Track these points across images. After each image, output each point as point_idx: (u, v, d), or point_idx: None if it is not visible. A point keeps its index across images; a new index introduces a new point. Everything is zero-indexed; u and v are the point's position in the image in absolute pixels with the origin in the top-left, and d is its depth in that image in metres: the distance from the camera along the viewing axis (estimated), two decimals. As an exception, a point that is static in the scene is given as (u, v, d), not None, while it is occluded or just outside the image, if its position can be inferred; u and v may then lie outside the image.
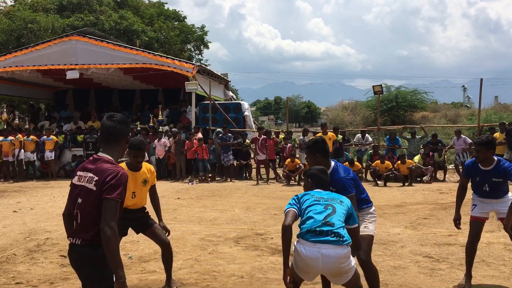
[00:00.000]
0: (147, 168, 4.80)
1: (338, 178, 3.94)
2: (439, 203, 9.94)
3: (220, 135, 15.07)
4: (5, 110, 17.79)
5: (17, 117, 17.64)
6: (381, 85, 16.64)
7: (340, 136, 14.85)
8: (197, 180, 14.53)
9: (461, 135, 14.64)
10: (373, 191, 12.18)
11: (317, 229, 3.34)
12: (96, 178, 2.71)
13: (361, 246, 3.82)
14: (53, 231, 7.37)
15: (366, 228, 4.07)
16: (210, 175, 14.83)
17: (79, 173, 2.84)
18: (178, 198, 11.10)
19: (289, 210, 3.52)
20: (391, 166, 13.62)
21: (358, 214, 3.87)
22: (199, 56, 38.10)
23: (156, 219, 4.95)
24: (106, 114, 2.97)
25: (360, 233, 3.87)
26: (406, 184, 13.26)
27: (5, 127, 16.88)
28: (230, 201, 10.57)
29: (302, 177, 3.86)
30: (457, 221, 4.91)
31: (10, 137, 15.25)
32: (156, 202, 5.00)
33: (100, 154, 2.85)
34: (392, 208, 9.50)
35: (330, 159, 4.08)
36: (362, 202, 4.11)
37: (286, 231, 3.39)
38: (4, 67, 16.56)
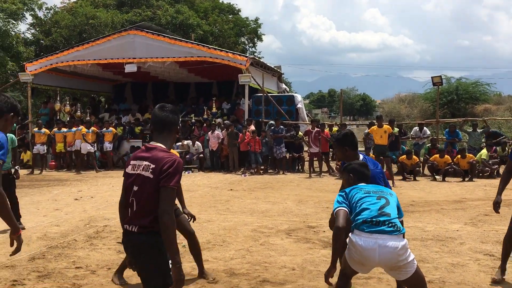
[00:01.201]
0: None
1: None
2: (502, 199, 9.41)
3: (273, 127, 15.04)
4: (68, 102, 18.66)
5: (79, 109, 18.45)
6: (440, 76, 15.99)
7: (396, 129, 14.43)
8: (250, 172, 14.61)
9: (528, 128, 13.81)
10: (431, 186, 11.76)
11: (374, 219, 3.25)
12: (152, 166, 2.74)
13: None
14: (111, 218, 7.66)
15: None
16: (262, 167, 14.87)
17: (132, 162, 2.89)
18: (231, 189, 11.21)
19: (339, 210, 3.39)
20: (451, 161, 13.08)
21: None
22: (253, 49, 38.28)
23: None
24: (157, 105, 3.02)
25: None
26: (466, 179, 12.70)
27: (68, 119, 17.70)
28: (282, 193, 10.55)
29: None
30: (496, 204, 4.68)
31: (74, 128, 15.98)
32: (179, 189, 4.91)
33: (152, 143, 2.89)
34: (450, 203, 9.13)
35: (358, 152, 4.06)
36: None
37: (339, 233, 3.28)
38: (67, 61, 17.35)
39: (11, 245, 3.12)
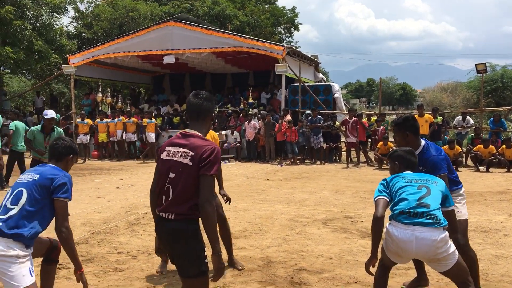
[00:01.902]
0: (212, 135, 4.65)
1: (429, 157, 3.73)
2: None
3: (310, 117, 14.94)
4: (109, 94, 19.13)
5: (120, 100, 18.89)
6: (485, 63, 15.39)
7: (439, 118, 14.06)
8: (286, 162, 14.59)
9: None
10: (474, 176, 11.42)
11: (411, 210, 3.15)
12: (191, 153, 2.74)
13: (459, 230, 3.57)
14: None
15: (459, 212, 3.82)
16: (298, 157, 14.81)
17: (168, 148, 2.88)
18: (267, 179, 11.23)
19: (379, 198, 3.33)
20: (495, 151, 12.64)
21: None
22: (290, 38, 38.06)
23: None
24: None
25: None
26: (512, 170, 12.25)
27: (109, 110, 18.16)
28: (319, 183, 10.49)
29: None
30: None
31: (116, 119, 16.39)
32: (219, 170, 4.83)
33: (188, 130, 2.89)
34: (495, 195, 8.84)
35: (420, 137, 3.89)
36: (452, 183, 3.84)
37: (378, 221, 3.23)
38: (108, 53, 17.77)
39: (77, 281, 3.40)
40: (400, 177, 3.40)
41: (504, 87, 27.78)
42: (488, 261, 4.86)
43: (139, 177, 11.67)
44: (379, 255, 3.36)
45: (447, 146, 12.83)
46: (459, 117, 14.91)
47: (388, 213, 3.30)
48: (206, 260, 2.78)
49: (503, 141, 13.14)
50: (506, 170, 12.33)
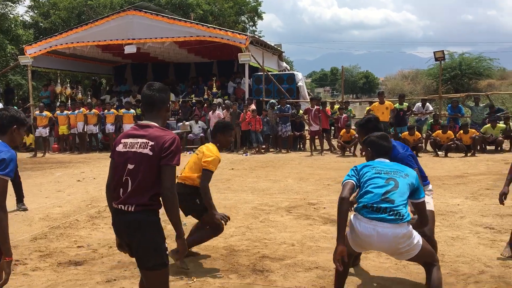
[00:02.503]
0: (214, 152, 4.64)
1: (397, 155, 3.77)
2: (503, 174, 9.36)
3: (279, 106, 14.96)
4: (68, 85, 18.61)
5: (80, 92, 18.40)
6: (443, 51, 15.78)
7: (405, 104, 14.37)
8: (252, 152, 14.62)
9: (531, 103, 13.70)
10: (433, 161, 11.74)
11: (375, 205, 3.12)
12: (151, 143, 2.72)
13: (428, 222, 3.53)
14: (113, 199, 7.70)
15: (428, 204, 3.81)
16: (263, 146, 14.86)
17: (124, 140, 2.84)
18: (232, 168, 11.22)
19: (347, 181, 3.30)
20: (453, 136, 13.03)
21: None
22: (253, 27, 37.93)
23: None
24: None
25: None
26: (469, 154, 12.66)
27: (69, 101, 17.68)
28: (283, 171, 10.56)
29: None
30: (503, 195, 4.51)
31: (76, 111, 15.97)
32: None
33: (145, 121, 2.86)
34: (452, 179, 9.12)
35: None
36: (422, 179, 3.91)
37: (342, 203, 3.19)
38: (66, 43, 17.24)
39: (0, 270, 2.82)
40: (371, 167, 3.34)
41: (462, 74, 28.61)
42: (444, 242, 5.02)
43: (101, 169, 11.44)
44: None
45: (407, 132, 13.14)
46: (419, 104, 15.26)
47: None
48: (167, 252, 2.79)
49: (460, 127, 13.55)
50: (464, 154, 12.74)
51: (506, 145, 13.60)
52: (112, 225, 2.90)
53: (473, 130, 13.06)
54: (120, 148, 2.85)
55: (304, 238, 5.36)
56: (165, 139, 2.72)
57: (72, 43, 17.20)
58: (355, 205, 3.39)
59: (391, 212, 3.08)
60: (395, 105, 13.93)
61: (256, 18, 37.47)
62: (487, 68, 29.91)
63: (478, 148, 12.99)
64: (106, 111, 16.17)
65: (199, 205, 4.51)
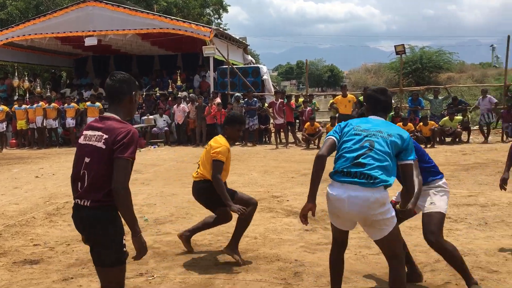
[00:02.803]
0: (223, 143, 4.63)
1: None
2: (461, 164, 9.71)
3: (245, 99, 14.91)
4: (26, 78, 18.01)
5: (38, 85, 17.83)
6: (403, 45, 16.11)
7: None
8: (217, 145, 14.53)
9: (487, 95, 14.18)
10: (394, 153, 11.98)
11: (345, 170, 2.94)
12: (105, 136, 2.64)
13: (413, 189, 3.15)
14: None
15: (433, 204, 3.52)
16: (229, 140, 14.79)
17: (85, 132, 2.78)
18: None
19: (328, 138, 3.12)
20: (413, 128, 13.34)
21: (424, 187, 3.44)
22: (218, 20, 37.66)
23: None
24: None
25: (426, 211, 3.51)
26: (429, 146, 13.00)
27: (27, 95, 17.12)
28: (248, 165, 10.56)
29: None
30: (503, 181, 4.50)
31: (35, 105, 15.47)
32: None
33: (106, 114, 2.80)
34: (412, 170, 9.32)
35: None
36: (428, 174, 3.57)
37: (317, 160, 3.02)
38: (24, 35, 16.70)
39: None
40: (353, 127, 3.11)
41: (423, 67, 29.29)
42: (402, 232, 5.06)
43: (61, 165, 11.13)
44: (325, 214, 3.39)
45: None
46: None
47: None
48: (124, 249, 2.69)
49: (420, 119, 13.88)
50: (423, 146, 13.07)
51: (464, 136, 14.02)
52: (72, 218, 2.83)
53: (432, 122, 13.41)
54: (81, 140, 2.79)
55: (266, 231, 5.37)
56: (119, 131, 2.63)
57: (30, 35, 16.69)
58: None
59: (361, 176, 2.89)
60: (360, 98, 14.14)
61: (221, 10, 37.23)
62: (446, 61, 30.74)
63: (437, 139, 13.35)
64: (66, 105, 15.75)
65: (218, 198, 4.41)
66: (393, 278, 3.04)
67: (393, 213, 2.99)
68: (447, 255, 3.49)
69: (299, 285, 3.85)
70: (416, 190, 3.22)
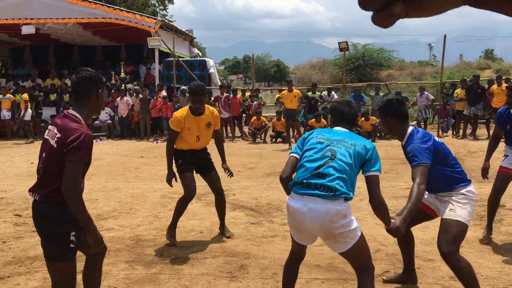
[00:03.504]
0: (211, 111, 4.89)
1: (408, 145, 3.20)
2: (400, 158, 10.11)
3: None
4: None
5: (-30, 74, 16.81)
6: (346, 42, 16.52)
7: (318, 93, 14.85)
8: (162, 139, 14.34)
9: (424, 92, 14.85)
10: (337, 147, 12.31)
11: (305, 181, 2.81)
12: (59, 135, 2.63)
13: (377, 200, 2.85)
14: (8, 190, 7.16)
15: (452, 211, 3.22)
16: (175, 133, 14.62)
17: (49, 127, 2.77)
18: (142, 156, 10.93)
19: (290, 157, 3.04)
20: (377, 120, 13.73)
21: (445, 194, 3.27)
22: (164, 11, 36.97)
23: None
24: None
25: (445, 217, 3.24)
26: (370, 140, 13.45)
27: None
28: (194, 159, 10.47)
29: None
30: (484, 170, 4.67)
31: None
32: (221, 145, 5.22)
33: (69, 111, 2.75)
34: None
35: (408, 124, 3.38)
36: (452, 181, 3.28)
37: (283, 183, 2.96)
38: (-47, 21, 15.60)
39: None
40: (315, 135, 3.04)
41: (365, 64, 30.16)
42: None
43: (-4, 159, 10.59)
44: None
45: (314, 119, 13.63)
46: (325, 92, 15.87)
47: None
48: (72, 245, 2.66)
49: (362, 114, 14.33)
50: (365, 140, 13.51)
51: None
52: None
53: (374, 118, 13.87)
54: (46, 134, 2.77)
55: (213, 225, 5.37)
56: (72, 133, 2.60)
57: (-40, 20, 15.61)
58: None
59: (322, 188, 2.76)
60: (307, 93, 14.37)
61: (167, 2, 36.58)
62: (387, 59, 31.84)
63: (378, 134, 13.84)
64: (1, 96, 14.94)
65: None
66: None
67: (356, 224, 2.85)
68: (460, 271, 3.15)
69: (245, 277, 3.89)
70: (411, 202, 2.99)
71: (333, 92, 16.00)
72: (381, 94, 15.41)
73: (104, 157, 10.82)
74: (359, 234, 2.82)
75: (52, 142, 2.63)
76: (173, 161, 4.86)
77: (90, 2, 15.89)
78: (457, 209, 3.22)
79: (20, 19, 15.44)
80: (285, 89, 14.87)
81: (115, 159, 10.60)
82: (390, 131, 3.46)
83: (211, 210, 6.03)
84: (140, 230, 5.20)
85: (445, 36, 15.81)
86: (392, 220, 2.93)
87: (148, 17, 16.19)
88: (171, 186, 4.89)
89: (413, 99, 15.80)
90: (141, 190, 7.17)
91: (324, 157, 2.85)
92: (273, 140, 13.90)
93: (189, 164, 4.86)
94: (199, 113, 4.73)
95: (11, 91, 15.60)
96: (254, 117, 13.95)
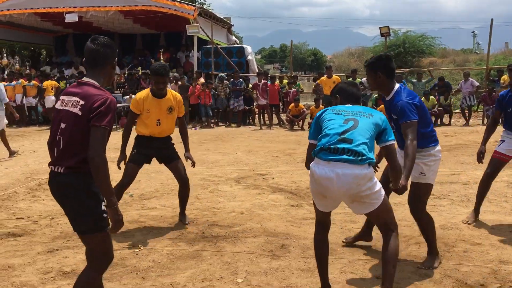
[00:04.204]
0: (173, 95, 4.68)
1: (397, 102, 3.38)
2: (443, 145, 9.73)
3: (231, 79, 14.78)
4: (5, 55, 17.54)
5: (17, 62, 17.39)
6: (388, 27, 16.15)
7: (358, 79, 14.56)
8: (200, 126, 14.47)
9: (469, 78, 14.34)
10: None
11: (332, 146, 2.88)
12: (82, 102, 2.55)
13: (397, 167, 3.09)
14: (55, 171, 7.39)
15: (422, 175, 3.54)
16: (212, 120, 14.73)
17: (62, 97, 2.68)
18: (181, 142, 11.04)
19: (309, 144, 3.18)
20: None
21: (416, 155, 3.36)
22: (202, 0, 37.09)
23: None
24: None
25: (415, 181, 3.55)
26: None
27: (5, 72, 16.68)
28: (232, 145, 10.53)
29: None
30: (480, 154, 4.64)
31: (14, 82, 15.09)
32: (185, 132, 4.98)
33: (85, 79, 2.69)
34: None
35: (394, 81, 3.54)
36: (424, 139, 3.49)
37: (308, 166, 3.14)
38: (2, 10, 16.16)
39: None
40: (331, 110, 3.14)
41: (406, 51, 29.44)
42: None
43: (42, 143, 10.93)
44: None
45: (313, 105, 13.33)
46: (364, 79, 15.58)
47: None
48: (105, 215, 2.59)
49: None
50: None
51: (446, 119, 14.16)
52: (48, 185, 2.74)
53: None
54: (58, 105, 2.68)
55: (253, 206, 5.38)
56: (97, 98, 2.54)
57: (8, 10, 16.14)
58: None
59: (349, 153, 2.85)
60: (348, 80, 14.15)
61: (204, -10, 36.69)
62: (429, 46, 30.96)
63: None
64: (26, 82, 15.31)
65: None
66: (386, 248, 3.01)
67: (380, 186, 2.98)
68: (421, 224, 3.68)
69: (286, 256, 3.87)
70: (408, 160, 3.24)
71: (373, 79, 15.68)
72: (423, 80, 14.99)
73: (144, 141, 11.01)
74: (383, 194, 3.00)
75: (76, 110, 2.54)
76: (129, 147, 4.72)
77: (131, -11, 16.11)
78: (427, 173, 3.54)
79: (63, 7, 15.82)
80: (325, 75, 14.70)
81: (155, 143, 10.77)
82: (377, 87, 3.58)
83: (250, 192, 6.05)
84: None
85: (492, 20, 15.19)
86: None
87: (187, 4, 16.26)
88: (119, 168, 4.62)
89: (457, 86, 15.30)
90: (181, 173, 7.26)
91: (347, 124, 2.97)
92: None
93: (144, 156, 4.68)
94: (161, 95, 4.53)
95: (55, 78, 16.05)
96: (292, 104, 13.85)
